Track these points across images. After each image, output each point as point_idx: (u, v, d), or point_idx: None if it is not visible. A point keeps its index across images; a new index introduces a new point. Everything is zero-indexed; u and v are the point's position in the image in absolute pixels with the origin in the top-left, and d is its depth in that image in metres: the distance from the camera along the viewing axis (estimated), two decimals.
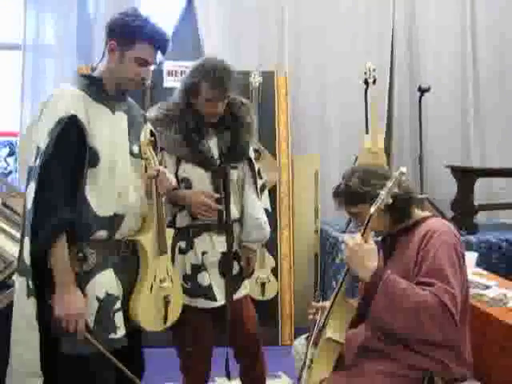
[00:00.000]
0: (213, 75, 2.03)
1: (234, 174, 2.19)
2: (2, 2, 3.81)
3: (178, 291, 2.00)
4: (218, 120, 2.14)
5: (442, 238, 1.67)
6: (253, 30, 3.95)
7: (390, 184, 1.64)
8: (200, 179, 2.12)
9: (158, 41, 1.76)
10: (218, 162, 2.14)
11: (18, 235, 1.87)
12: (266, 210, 2.31)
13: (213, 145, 2.15)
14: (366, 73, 3.54)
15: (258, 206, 2.24)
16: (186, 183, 2.12)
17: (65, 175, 1.64)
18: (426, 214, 1.84)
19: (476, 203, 3.54)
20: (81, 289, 1.68)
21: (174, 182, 1.92)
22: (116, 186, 1.74)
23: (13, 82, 3.76)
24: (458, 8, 4.17)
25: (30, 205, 1.62)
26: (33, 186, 1.62)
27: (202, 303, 2.10)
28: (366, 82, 3.53)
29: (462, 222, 3.42)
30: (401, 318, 1.59)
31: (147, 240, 1.84)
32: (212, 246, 2.13)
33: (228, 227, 2.16)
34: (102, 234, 1.73)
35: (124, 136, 1.80)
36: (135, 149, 1.83)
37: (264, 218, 2.25)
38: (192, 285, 2.11)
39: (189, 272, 2.12)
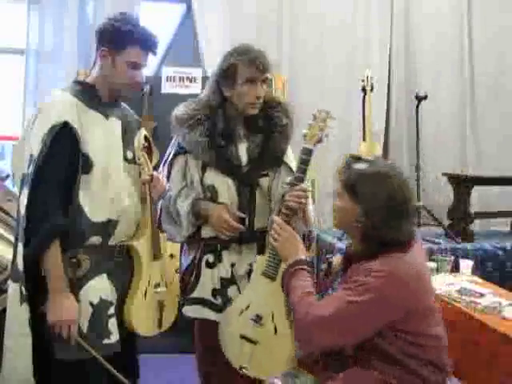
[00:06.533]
0: (248, 53, 1.90)
1: (264, 182, 1.98)
2: (6, 7, 3.83)
3: (173, 296, 2.00)
4: (251, 119, 1.96)
5: (366, 285, 1.50)
6: (251, 36, 3.94)
7: None
8: (226, 188, 1.94)
9: (148, 43, 1.77)
10: (246, 169, 1.96)
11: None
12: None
13: (242, 150, 1.96)
14: (363, 81, 3.55)
15: None
16: (211, 191, 1.95)
17: (58, 182, 1.64)
18: (395, 253, 1.56)
19: (472, 211, 3.54)
20: (74, 294, 1.68)
21: (167, 187, 1.92)
22: (109, 191, 1.74)
23: (15, 86, 3.77)
24: (456, 17, 4.19)
25: (23, 211, 1.62)
26: (26, 192, 1.63)
27: None
28: (364, 90, 3.54)
29: (458, 229, 3.43)
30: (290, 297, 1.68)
31: (141, 245, 1.85)
32: (240, 256, 1.98)
33: (254, 239, 1.98)
34: (96, 239, 1.73)
35: (118, 142, 1.80)
36: (129, 154, 1.83)
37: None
38: (222, 300, 1.95)
39: (218, 286, 1.96)
